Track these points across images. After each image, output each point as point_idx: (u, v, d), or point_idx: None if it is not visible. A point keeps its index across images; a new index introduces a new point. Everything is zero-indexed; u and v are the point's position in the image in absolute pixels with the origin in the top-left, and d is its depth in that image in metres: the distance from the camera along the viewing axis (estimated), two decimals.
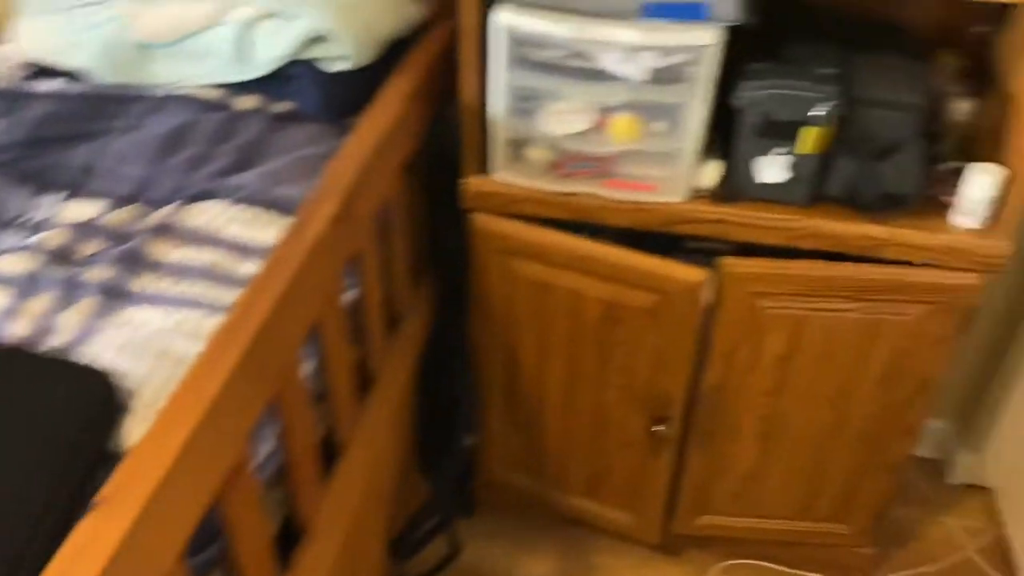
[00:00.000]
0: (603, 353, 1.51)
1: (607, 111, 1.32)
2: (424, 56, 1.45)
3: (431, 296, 1.61)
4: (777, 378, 1.48)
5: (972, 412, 1.90)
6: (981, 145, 1.41)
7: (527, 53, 1.29)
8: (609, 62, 1.26)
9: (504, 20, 1.26)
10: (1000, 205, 1.30)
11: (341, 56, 1.35)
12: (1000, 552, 1.82)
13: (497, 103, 1.35)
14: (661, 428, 1.54)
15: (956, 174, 1.38)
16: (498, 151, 1.40)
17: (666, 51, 1.23)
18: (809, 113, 1.25)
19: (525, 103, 1.35)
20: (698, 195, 1.39)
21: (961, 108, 1.45)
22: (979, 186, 1.29)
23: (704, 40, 1.21)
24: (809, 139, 1.27)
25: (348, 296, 1.27)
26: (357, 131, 1.28)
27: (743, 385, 1.50)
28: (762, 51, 1.32)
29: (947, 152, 1.43)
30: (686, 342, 1.44)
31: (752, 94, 1.27)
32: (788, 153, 1.30)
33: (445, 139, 1.48)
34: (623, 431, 1.59)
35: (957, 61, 1.47)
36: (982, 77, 1.43)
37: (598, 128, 1.34)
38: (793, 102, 1.26)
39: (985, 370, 1.86)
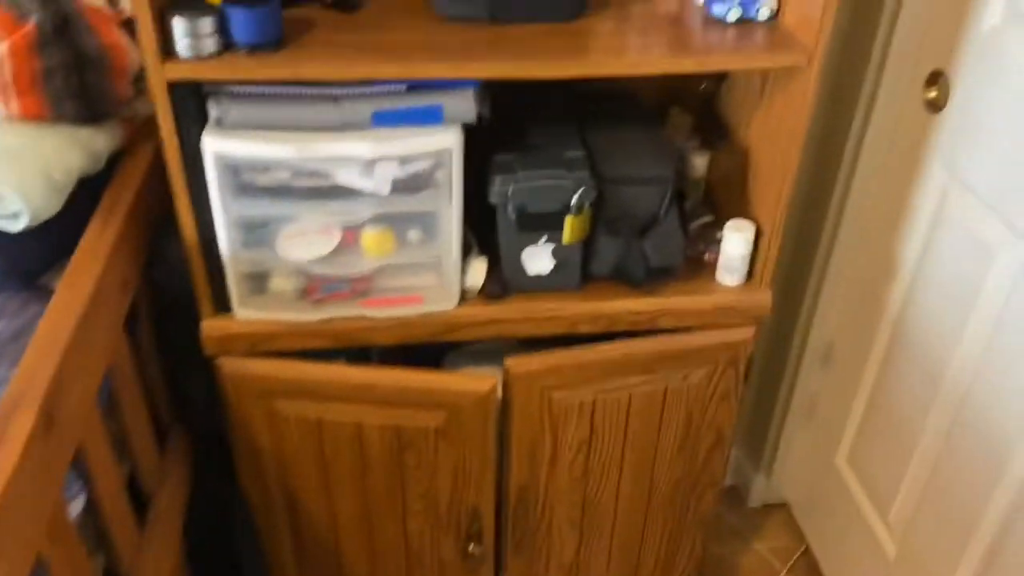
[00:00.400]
0: (398, 482, 1.36)
1: (354, 227, 1.19)
2: (127, 191, 1.23)
3: (185, 458, 1.38)
4: (582, 464, 1.42)
5: (759, 436, 1.97)
6: (722, 196, 1.44)
7: (249, 179, 1.13)
8: (346, 177, 1.13)
9: (213, 147, 1.09)
10: (755, 257, 1.32)
11: (14, 213, 1.10)
12: (808, 565, 1.88)
13: (225, 235, 1.17)
14: (475, 547, 1.42)
15: (709, 228, 1.40)
16: (235, 287, 1.22)
17: (405, 159, 1.12)
18: (567, 203, 1.19)
19: (258, 231, 1.18)
20: (469, 297, 1.29)
21: (699, 163, 1.48)
22: (734, 244, 1.30)
23: (444, 143, 1.11)
24: (569, 228, 1.22)
25: (78, 504, 1.03)
26: (53, 303, 1.04)
27: (550, 479, 1.42)
28: (506, 137, 1.26)
29: (695, 208, 1.45)
30: (485, 452, 1.33)
31: (504, 189, 1.19)
32: (552, 242, 1.24)
33: (174, 277, 1.28)
34: (435, 558, 1.46)
35: (688, 117, 1.49)
36: (712, 129, 1.47)
37: (346, 246, 1.20)
38: (546, 192, 1.20)
39: (764, 396, 1.92)
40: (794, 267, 1.74)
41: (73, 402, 1.00)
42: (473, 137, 1.15)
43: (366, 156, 1.10)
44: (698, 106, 1.48)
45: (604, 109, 1.35)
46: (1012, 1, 1.20)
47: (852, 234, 1.60)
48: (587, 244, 1.27)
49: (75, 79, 1.18)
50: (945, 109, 1.35)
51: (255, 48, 1.05)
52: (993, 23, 1.23)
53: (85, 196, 1.21)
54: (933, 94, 1.36)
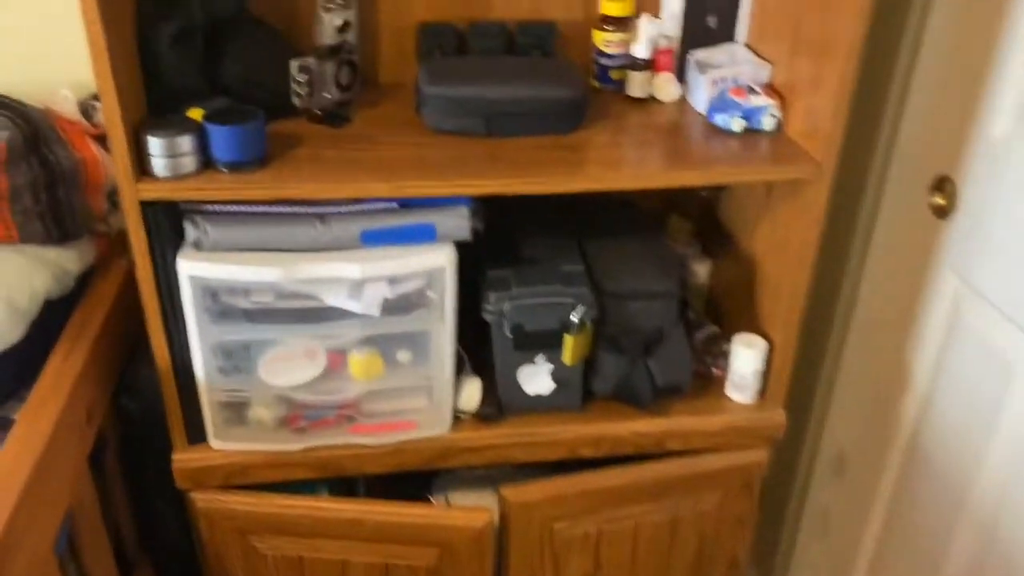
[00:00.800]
0: None
1: (340, 350, 1.11)
2: (96, 313, 1.15)
3: None
4: None
5: (769, 550, 1.86)
6: (726, 305, 1.38)
7: (229, 301, 1.05)
8: (334, 299, 1.06)
9: (189, 270, 1.01)
10: (767, 374, 1.25)
11: None
12: None
13: (201, 361, 1.09)
14: None
15: (716, 340, 1.33)
16: (211, 417, 1.13)
17: (396, 279, 1.05)
18: (566, 320, 1.13)
19: (237, 356, 1.10)
20: (464, 419, 1.20)
21: (700, 271, 1.42)
22: (745, 360, 1.23)
23: (437, 262, 1.05)
24: (570, 349, 1.14)
25: None
26: (9, 443, 0.95)
27: None
28: (500, 249, 1.19)
29: (699, 317, 1.38)
30: None
31: (499, 306, 1.12)
32: (550, 361, 1.17)
33: (145, 405, 1.19)
34: None
35: (688, 224, 1.44)
36: (713, 236, 1.41)
37: (332, 370, 1.12)
38: (544, 310, 1.13)
39: (774, 508, 1.83)
40: (801, 373, 1.66)
41: (26, 557, 0.89)
42: (465, 248, 1.09)
43: (355, 277, 1.03)
44: (698, 213, 1.44)
45: (602, 218, 1.30)
46: (1023, 107, 1.17)
47: (861, 341, 1.54)
48: (588, 362, 1.20)
49: (45, 196, 1.12)
50: (953, 215, 1.30)
51: (237, 166, 0.99)
52: (1004, 129, 1.20)
53: (51, 318, 1.13)
54: (940, 200, 1.31)
